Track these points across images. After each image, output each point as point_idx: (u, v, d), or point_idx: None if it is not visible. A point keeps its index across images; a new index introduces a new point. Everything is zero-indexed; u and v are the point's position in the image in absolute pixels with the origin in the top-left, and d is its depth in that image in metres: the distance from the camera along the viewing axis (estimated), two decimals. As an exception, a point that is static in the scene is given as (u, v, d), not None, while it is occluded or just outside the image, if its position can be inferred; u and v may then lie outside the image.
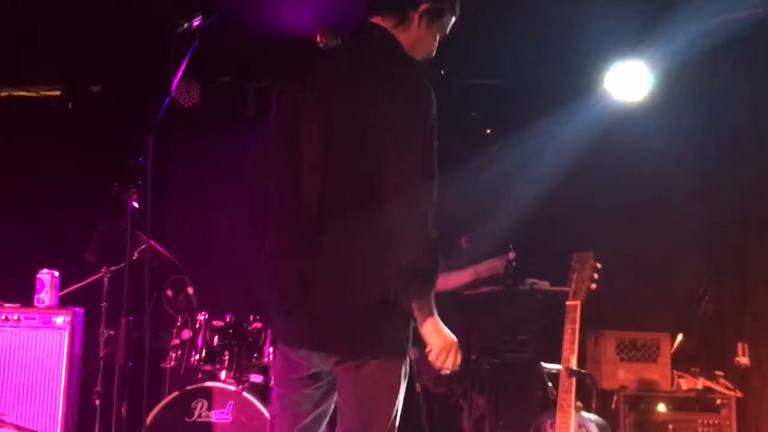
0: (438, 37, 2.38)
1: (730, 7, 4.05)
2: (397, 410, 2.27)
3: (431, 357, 2.27)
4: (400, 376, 2.26)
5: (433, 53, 2.40)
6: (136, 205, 2.53)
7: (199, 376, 4.08)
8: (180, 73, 2.77)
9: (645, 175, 4.73)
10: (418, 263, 2.15)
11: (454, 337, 2.28)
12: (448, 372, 2.31)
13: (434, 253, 2.18)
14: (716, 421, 4.34)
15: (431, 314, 2.22)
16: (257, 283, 2.35)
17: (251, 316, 4.13)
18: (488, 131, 5.11)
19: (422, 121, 2.16)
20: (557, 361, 3.31)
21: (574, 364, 3.19)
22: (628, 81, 4.52)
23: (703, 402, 4.40)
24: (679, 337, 4.65)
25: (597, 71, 4.54)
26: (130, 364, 2.43)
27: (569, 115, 4.56)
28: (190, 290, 4.18)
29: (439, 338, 2.24)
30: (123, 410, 2.44)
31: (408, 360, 2.31)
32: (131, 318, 2.61)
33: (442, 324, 2.26)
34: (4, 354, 3.59)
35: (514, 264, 4.22)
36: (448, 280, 4.16)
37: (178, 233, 4.62)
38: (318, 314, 2.21)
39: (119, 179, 2.58)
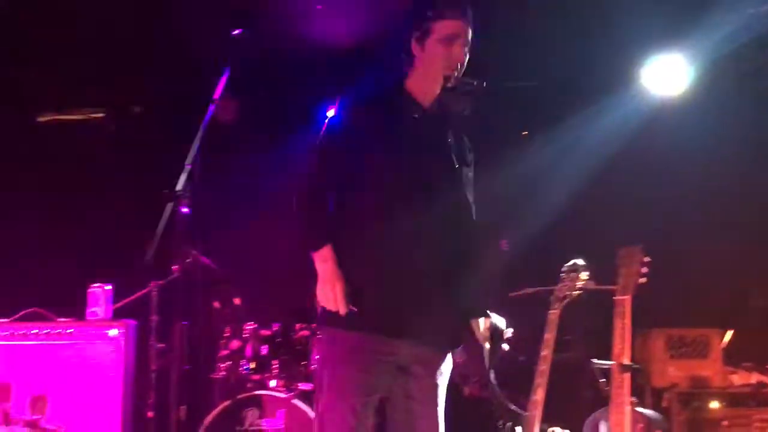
0: (448, 48, 2.51)
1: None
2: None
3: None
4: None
5: (452, 68, 2.52)
6: (186, 210, 2.57)
7: (249, 385, 4.12)
8: (222, 84, 2.82)
9: (686, 169, 4.68)
10: None
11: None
12: None
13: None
14: (772, 416, 4.26)
15: None
16: None
17: (297, 324, 4.16)
18: (524, 133, 5.12)
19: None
20: (606, 359, 3.28)
21: (626, 360, 3.15)
22: (666, 75, 4.48)
23: (757, 397, 4.31)
24: (729, 332, 4.58)
25: (633, 66, 4.51)
26: (186, 367, 2.46)
27: (606, 111, 4.54)
28: (237, 301, 4.23)
29: None
30: (182, 413, 2.47)
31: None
32: (185, 323, 2.65)
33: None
34: (61, 368, 3.67)
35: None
36: None
37: (224, 244, 4.68)
38: None
39: (168, 186, 2.62)
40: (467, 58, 2.58)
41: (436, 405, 2.55)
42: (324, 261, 2.44)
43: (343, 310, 2.40)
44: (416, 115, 2.56)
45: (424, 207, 2.49)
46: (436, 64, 2.53)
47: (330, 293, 2.41)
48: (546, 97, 4.82)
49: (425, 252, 2.47)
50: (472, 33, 2.57)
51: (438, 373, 2.57)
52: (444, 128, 2.61)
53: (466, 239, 2.59)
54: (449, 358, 2.62)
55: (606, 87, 4.57)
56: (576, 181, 4.62)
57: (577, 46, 4.32)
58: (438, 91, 2.57)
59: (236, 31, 2.75)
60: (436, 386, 2.56)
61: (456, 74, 2.54)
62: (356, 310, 2.40)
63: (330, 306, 2.42)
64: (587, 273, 3.48)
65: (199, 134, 2.57)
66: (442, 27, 2.52)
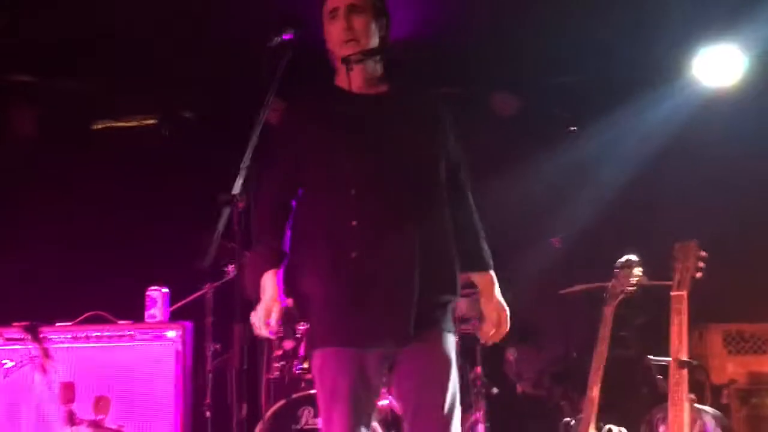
0: (332, 25, 2.42)
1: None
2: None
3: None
4: None
5: (343, 41, 2.40)
6: (241, 213, 2.59)
7: (303, 384, 4.16)
8: (274, 87, 2.82)
9: (740, 161, 4.59)
10: None
11: None
12: None
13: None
14: (837, 414, 4.15)
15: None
16: None
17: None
18: (572, 129, 5.09)
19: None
20: (661, 355, 3.25)
21: (684, 356, 3.11)
22: (719, 65, 4.41)
23: (820, 393, 4.21)
24: (790, 326, 4.47)
25: (684, 57, 4.45)
26: (245, 367, 2.50)
27: (656, 102, 4.48)
28: (290, 301, 4.28)
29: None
30: (243, 411, 2.51)
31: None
32: (244, 324, 2.68)
33: None
34: (121, 368, 3.76)
35: None
36: None
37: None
38: None
39: (224, 189, 2.64)
40: (371, 26, 2.42)
41: (432, 396, 2.33)
42: (263, 288, 2.40)
43: (259, 333, 2.38)
44: (343, 105, 2.41)
45: (370, 198, 2.33)
46: (332, 45, 2.44)
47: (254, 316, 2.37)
48: (596, 88, 4.78)
49: (383, 247, 2.30)
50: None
51: (427, 361, 2.35)
52: (382, 107, 2.42)
53: (437, 213, 2.39)
54: (445, 341, 2.38)
55: (657, 78, 4.52)
56: (627, 175, 4.57)
57: (627, 36, 4.27)
58: (354, 72, 2.41)
59: (287, 35, 2.73)
60: (425, 377, 2.35)
61: (353, 46, 2.39)
62: (273, 336, 2.37)
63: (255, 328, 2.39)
64: (641, 269, 3.44)
65: (254, 138, 2.57)
66: (326, 8, 2.44)
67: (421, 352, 2.34)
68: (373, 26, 2.43)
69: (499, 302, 2.50)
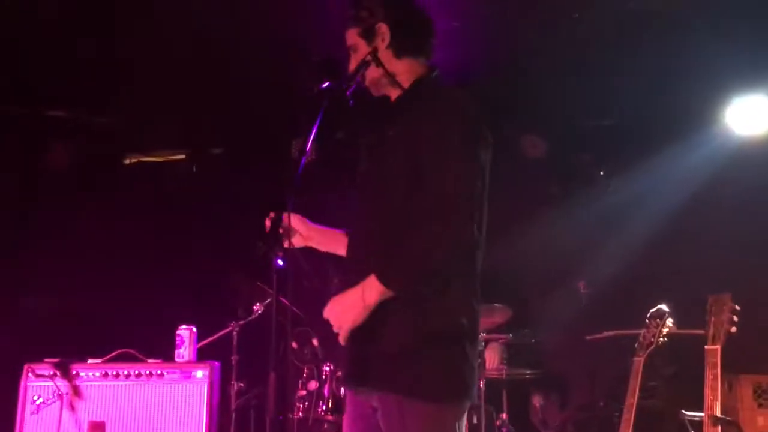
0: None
1: None
2: None
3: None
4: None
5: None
6: (281, 263, 2.60)
7: (325, 426, 4.14)
8: (313, 134, 2.83)
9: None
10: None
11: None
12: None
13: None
14: None
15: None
16: None
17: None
18: (601, 172, 5.09)
19: None
20: (690, 406, 3.21)
21: (717, 411, 3.06)
22: (751, 115, 4.44)
23: None
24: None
25: (717, 106, 4.47)
26: (281, 417, 2.49)
27: (689, 150, 4.49)
28: (315, 342, 4.28)
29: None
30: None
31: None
32: (275, 371, 2.68)
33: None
34: (150, 407, 3.74)
35: None
36: None
37: (300, 285, 4.75)
38: None
39: (263, 238, 2.64)
40: (363, 56, 2.32)
41: None
42: None
43: None
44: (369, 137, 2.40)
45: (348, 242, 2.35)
46: None
47: None
48: (628, 136, 4.80)
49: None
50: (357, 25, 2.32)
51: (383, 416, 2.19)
52: (377, 133, 2.35)
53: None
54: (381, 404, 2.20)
55: (690, 126, 4.54)
56: (659, 221, 4.55)
57: (661, 85, 4.30)
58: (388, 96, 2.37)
59: (324, 84, 2.75)
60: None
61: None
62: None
63: None
64: (672, 319, 3.41)
65: (292, 186, 2.57)
66: None
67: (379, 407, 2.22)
68: (366, 50, 2.32)
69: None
